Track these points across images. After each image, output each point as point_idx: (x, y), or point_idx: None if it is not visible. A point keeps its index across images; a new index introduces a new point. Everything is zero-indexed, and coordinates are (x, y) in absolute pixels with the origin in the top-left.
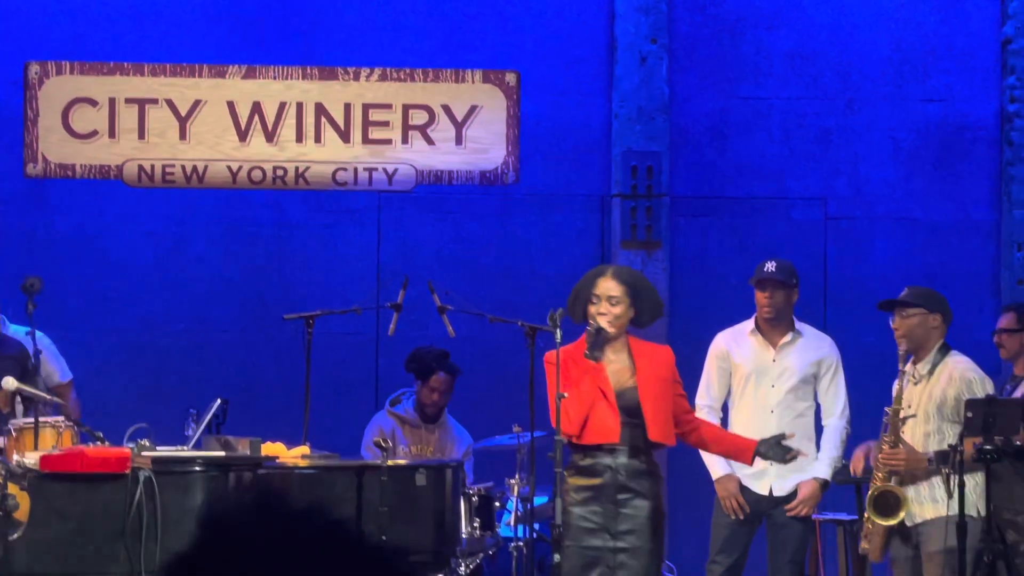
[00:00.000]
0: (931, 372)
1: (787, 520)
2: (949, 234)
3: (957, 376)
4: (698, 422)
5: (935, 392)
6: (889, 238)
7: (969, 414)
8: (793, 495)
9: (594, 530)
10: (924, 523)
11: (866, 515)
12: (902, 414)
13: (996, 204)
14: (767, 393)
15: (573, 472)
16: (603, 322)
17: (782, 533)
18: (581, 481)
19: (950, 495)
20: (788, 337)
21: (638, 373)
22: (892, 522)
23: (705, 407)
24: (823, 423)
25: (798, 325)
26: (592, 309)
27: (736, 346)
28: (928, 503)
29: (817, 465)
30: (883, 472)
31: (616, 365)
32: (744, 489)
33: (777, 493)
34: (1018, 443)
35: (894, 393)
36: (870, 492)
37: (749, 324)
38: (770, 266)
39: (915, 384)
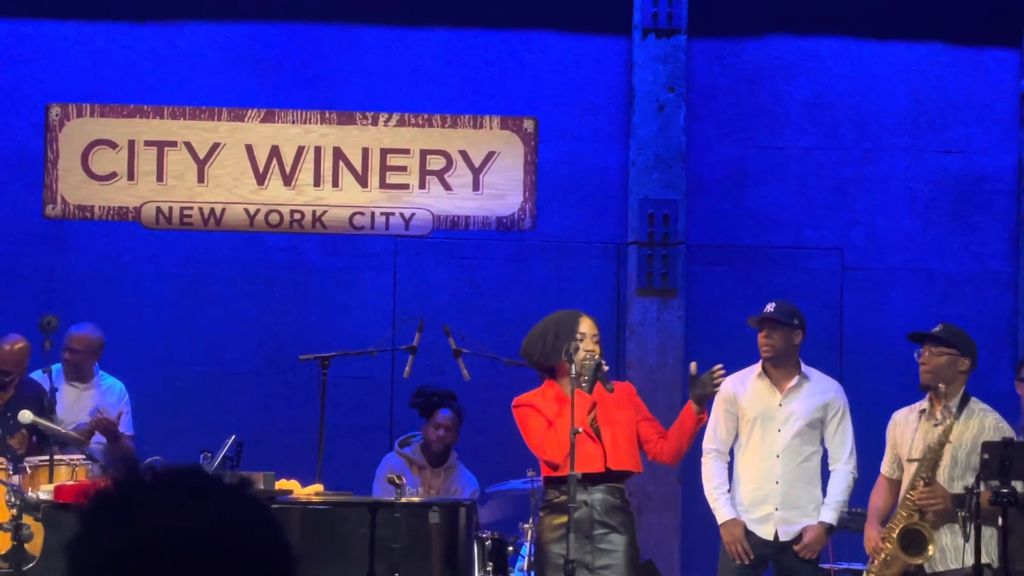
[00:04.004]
0: (956, 418)
1: (795, 565)
2: (966, 285)
3: (990, 426)
4: (662, 433)
5: (966, 438)
6: (905, 289)
7: (986, 456)
8: (798, 539)
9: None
10: (945, 572)
11: (885, 548)
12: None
13: (1013, 255)
14: (773, 438)
15: (548, 511)
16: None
17: None
18: (557, 519)
19: (966, 539)
20: (794, 381)
21: (598, 407)
22: (919, 560)
23: (712, 451)
24: (830, 468)
25: (805, 369)
26: (581, 346)
27: (743, 389)
28: (951, 551)
29: (823, 510)
30: (912, 510)
31: (585, 400)
32: (749, 534)
33: (783, 538)
34: None
35: (927, 435)
36: (897, 526)
37: (756, 368)
38: (770, 307)
39: (935, 426)
